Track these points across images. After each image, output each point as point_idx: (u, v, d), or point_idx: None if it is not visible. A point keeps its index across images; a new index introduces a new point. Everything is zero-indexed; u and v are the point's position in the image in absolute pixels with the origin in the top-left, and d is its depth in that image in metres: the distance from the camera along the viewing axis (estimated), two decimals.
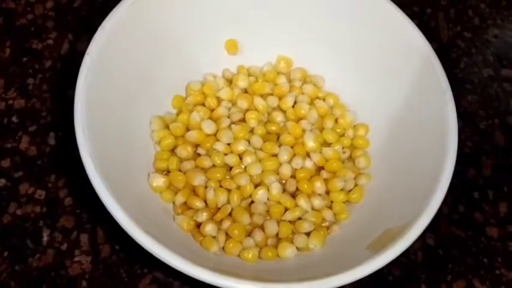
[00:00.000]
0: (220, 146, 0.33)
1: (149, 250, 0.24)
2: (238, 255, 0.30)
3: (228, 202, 0.31)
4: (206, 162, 0.32)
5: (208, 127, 0.33)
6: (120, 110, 0.30)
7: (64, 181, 0.34)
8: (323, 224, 0.32)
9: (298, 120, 0.34)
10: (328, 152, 0.33)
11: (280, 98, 0.35)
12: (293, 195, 0.32)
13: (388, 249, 0.24)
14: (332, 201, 0.32)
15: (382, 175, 0.32)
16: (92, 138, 0.26)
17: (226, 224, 0.30)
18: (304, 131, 0.34)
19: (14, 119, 0.36)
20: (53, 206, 0.33)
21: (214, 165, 0.32)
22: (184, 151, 0.32)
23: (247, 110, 0.34)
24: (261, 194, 0.31)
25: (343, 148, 0.34)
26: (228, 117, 0.34)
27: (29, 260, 0.31)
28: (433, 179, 0.27)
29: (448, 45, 0.43)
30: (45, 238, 0.32)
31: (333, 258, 0.28)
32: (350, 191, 0.32)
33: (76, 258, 0.32)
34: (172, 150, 0.33)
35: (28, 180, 0.34)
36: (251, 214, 0.31)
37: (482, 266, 0.34)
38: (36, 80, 0.37)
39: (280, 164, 0.32)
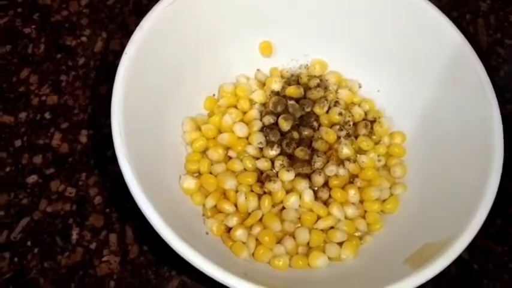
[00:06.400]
0: (251, 150, 0.32)
1: (184, 256, 0.24)
2: (268, 262, 0.29)
3: (259, 207, 0.31)
4: (237, 166, 0.32)
5: (241, 130, 0.33)
6: (153, 111, 0.30)
7: (94, 180, 0.34)
8: (356, 234, 0.31)
9: (332, 125, 0.34)
10: (363, 159, 0.32)
11: (314, 102, 0.34)
12: (325, 203, 0.31)
13: (430, 265, 0.23)
14: (366, 211, 0.31)
15: (418, 185, 0.31)
16: (127, 140, 0.25)
17: (256, 229, 0.30)
18: (338, 137, 0.33)
19: (47, 115, 0.36)
20: (83, 204, 0.33)
21: (245, 169, 0.32)
22: (216, 153, 0.32)
23: (280, 114, 0.34)
24: (292, 200, 0.31)
25: (378, 156, 0.33)
26: (261, 120, 0.34)
27: (58, 257, 0.31)
28: (476, 192, 0.26)
29: (487, 52, 0.41)
30: (74, 236, 0.32)
31: (367, 271, 0.27)
32: (384, 200, 0.32)
33: (104, 258, 0.31)
34: (204, 152, 0.33)
35: (59, 177, 0.34)
36: (282, 221, 0.31)
37: None
38: (69, 76, 0.37)
39: (313, 171, 0.32)
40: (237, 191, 0.31)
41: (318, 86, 0.35)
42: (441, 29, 0.32)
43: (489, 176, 0.26)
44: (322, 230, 0.30)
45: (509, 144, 0.37)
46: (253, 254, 0.29)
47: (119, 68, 0.27)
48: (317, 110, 0.34)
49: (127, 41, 0.29)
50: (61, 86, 0.37)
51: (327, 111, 0.34)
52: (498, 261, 0.33)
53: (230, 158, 0.32)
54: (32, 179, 0.34)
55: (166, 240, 0.24)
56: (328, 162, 0.32)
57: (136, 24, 0.29)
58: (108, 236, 0.32)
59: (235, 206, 0.31)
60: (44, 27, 0.39)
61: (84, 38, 0.39)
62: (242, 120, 0.34)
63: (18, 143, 0.35)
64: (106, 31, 0.39)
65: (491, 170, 0.26)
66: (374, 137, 0.34)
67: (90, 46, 0.39)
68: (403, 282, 0.23)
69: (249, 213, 0.31)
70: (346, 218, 0.31)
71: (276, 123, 0.33)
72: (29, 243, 0.32)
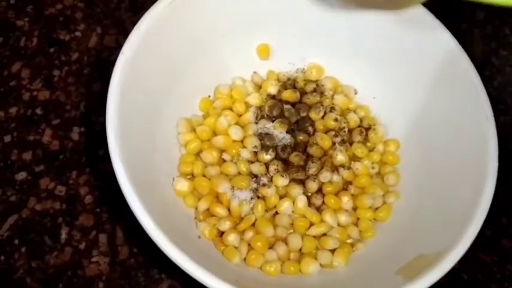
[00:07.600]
0: (246, 154, 0.32)
1: (176, 262, 0.23)
2: (260, 268, 0.29)
3: (252, 212, 0.30)
4: (231, 169, 0.31)
5: (236, 133, 0.32)
6: (148, 111, 0.30)
7: (85, 178, 0.33)
8: (347, 241, 0.31)
9: (328, 131, 0.34)
10: (357, 166, 0.32)
11: (310, 107, 0.34)
12: (318, 209, 0.31)
13: (423, 277, 0.23)
14: (358, 218, 0.31)
15: (411, 194, 0.31)
16: (122, 141, 0.25)
17: (249, 234, 0.30)
18: (333, 143, 0.33)
19: (38, 111, 0.35)
20: (73, 203, 0.32)
21: (239, 173, 0.32)
22: (210, 156, 0.32)
23: (275, 118, 0.34)
24: (286, 206, 0.30)
25: (372, 163, 0.33)
26: (256, 123, 0.33)
27: (46, 257, 0.31)
28: (470, 204, 0.26)
29: (481, 62, 0.42)
30: (63, 236, 0.31)
31: (359, 279, 0.27)
32: (377, 208, 0.32)
33: (93, 259, 0.31)
34: (198, 154, 0.32)
35: (49, 175, 0.33)
36: (275, 226, 0.30)
37: None
38: (62, 72, 0.37)
39: (307, 177, 0.32)
40: None
41: (314, 91, 0.35)
42: (439, 39, 0.32)
43: (484, 187, 0.26)
44: (314, 236, 0.30)
45: (501, 155, 0.37)
46: (244, 259, 0.29)
47: (115, 68, 0.26)
48: (313, 115, 0.34)
49: (122, 38, 0.28)
50: (53, 81, 0.36)
51: (323, 117, 0.34)
52: (487, 272, 0.33)
53: (224, 160, 0.32)
54: (21, 175, 0.33)
55: (158, 245, 0.24)
56: (322, 168, 0.32)
57: (132, 21, 0.29)
58: (97, 236, 0.32)
59: (228, 210, 0.30)
60: (37, 20, 0.38)
61: (78, 33, 0.38)
62: (237, 123, 0.33)
63: (7, 138, 0.34)
64: (101, 26, 0.39)
65: (485, 181, 0.26)
66: (368, 144, 0.34)
67: (84, 41, 0.38)
68: None
69: (242, 218, 0.30)
70: (338, 225, 0.31)
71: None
72: (16, 241, 0.31)
